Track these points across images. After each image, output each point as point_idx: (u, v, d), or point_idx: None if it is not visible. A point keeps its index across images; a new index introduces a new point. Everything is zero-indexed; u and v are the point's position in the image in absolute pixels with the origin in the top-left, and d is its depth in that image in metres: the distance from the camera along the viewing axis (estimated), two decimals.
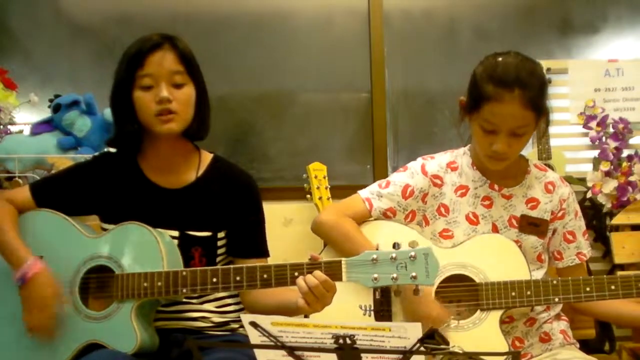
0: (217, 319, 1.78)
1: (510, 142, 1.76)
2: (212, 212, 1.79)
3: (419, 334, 1.13)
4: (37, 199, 1.80)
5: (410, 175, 1.93)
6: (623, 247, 2.66)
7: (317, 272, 1.54)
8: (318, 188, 2.71)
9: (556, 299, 1.79)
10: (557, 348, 1.89)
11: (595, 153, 2.95)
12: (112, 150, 1.86)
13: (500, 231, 1.88)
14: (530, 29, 3.24)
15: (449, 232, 1.89)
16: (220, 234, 1.80)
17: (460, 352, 1.17)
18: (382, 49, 3.14)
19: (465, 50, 3.19)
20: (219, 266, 1.75)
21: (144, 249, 1.66)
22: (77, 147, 2.61)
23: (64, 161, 2.45)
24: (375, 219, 1.92)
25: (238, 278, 1.61)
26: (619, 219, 2.73)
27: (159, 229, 1.70)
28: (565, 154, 2.98)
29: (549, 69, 2.92)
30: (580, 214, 1.96)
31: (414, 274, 1.46)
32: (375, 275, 1.48)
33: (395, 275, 1.46)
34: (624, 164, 2.84)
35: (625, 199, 2.79)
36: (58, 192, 1.80)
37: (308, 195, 2.73)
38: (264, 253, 1.86)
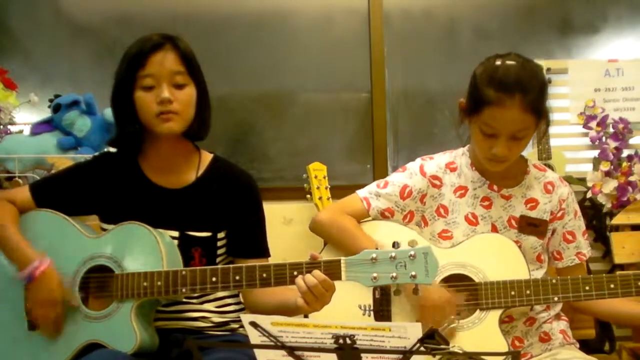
0: (217, 319, 1.78)
1: (510, 146, 1.75)
2: (212, 212, 1.79)
3: (419, 334, 1.13)
4: (37, 199, 1.80)
5: (408, 175, 1.93)
6: (623, 247, 2.66)
7: (316, 272, 1.54)
8: (318, 188, 2.71)
9: (555, 298, 1.79)
10: (557, 348, 1.89)
11: (595, 153, 2.96)
12: (112, 150, 1.86)
13: (500, 232, 1.88)
14: (530, 29, 3.24)
15: (449, 232, 1.89)
16: (220, 234, 1.80)
17: (460, 352, 1.17)
18: (382, 49, 3.14)
19: (465, 50, 3.19)
20: (218, 266, 1.75)
21: (144, 249, 1.66)
22: (77, 147, 2.61)
23: (64, 161, 2.45)
24: (373, 219, 1.93)
25: (237, 277, 1.61)
26: (619, 219, 2.73)
27: (159, 229, 1.70)
28: (565, 154, 2.98)
29: (549, 69, 2.93)
30: (579, 213, 1.96)
31: (413, 273, 1.46)
32: (375, 275, 1.48)
33: (394, 274, 1.46)
34: (624, 164, 2.84)
35: (625, 199, 2.80)
36: (58, 192, 1.80)
37: (308, 195, 2.73)
38: (264, 253, 1.86)
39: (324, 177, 2.73)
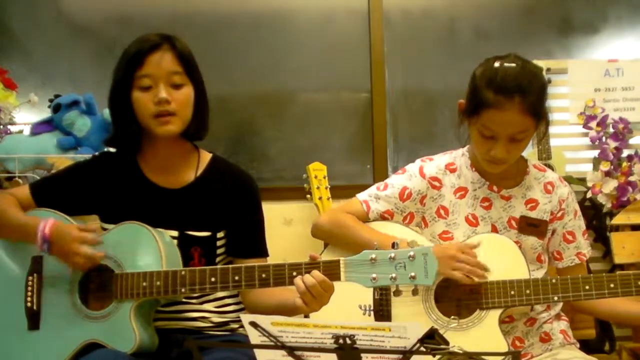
0: (216, 319, 1.78)
1: (509, 148, 1.75)
2: (211, 212, 1.78)
3: (419, 334, 1.13)
4: (36, 198, 1.80)
5: (408, 177, 1.93)
6: (623, 247, 2.67)
7: (315, 272, 1.54)
8: (318, 188, 2.71)
9: (555, 298, 1.79)
10: (557, 348, 1.89)
11: (595, 153, 2.96)
12: (112, 149, 1.86)
13: (500, 232, 1.88)
14: (530, 29, 3.24)
15: (449, 234, 1.89)
16: (220, 234, 1.80)
17: (460, 352, 1.17)
18: (382, 49, 3.14)
19: (465, 50, 3.19)
20: (217, 266, 1.75)
21: (143, 249, 1.66)
22: (77, 147, 2.61)
23: (64, 161, 2.45)
24: (374, 220, 1.93)
25: (236, 278, 1.61)
26: (619, 219, 2.73)
27: (159, 229, 1.70)
28: (565, 154, 2.98)
29: (548, 69, 2.92)
30: (579, 213, 1.96)
31: (412, 273, 1.45)
32: (374, 275, 1.47)
33: (394, 275, 1.46)
34: (624, 164, 2.84)
35: (625, 199, 2.80)
36: (58, 192, 1.80)
37: (308, 195, 2.73)
38: (264, 253, 1.86)
39: (324, 177, 2.73)
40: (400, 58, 3.18)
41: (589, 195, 2.88)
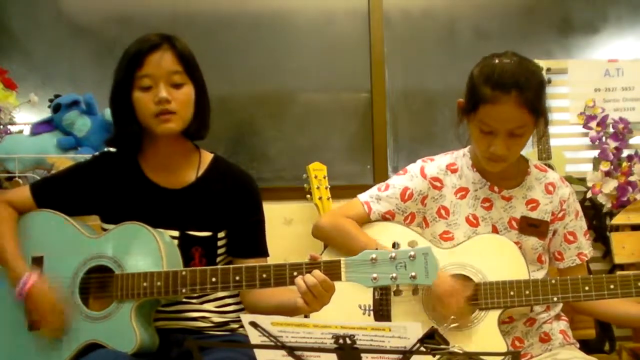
0: (217, 319, 1.78)
1: (508, 144, 1.75)
2: (212, 212, 1.79)
3: (419, 334, 1.13)
4: (37, 199, 1.80)
5: (409, 178, 1.93)
6: (623, 247, 2.66)
7: (316, 272, 1.54)
8: (318, 188, 2.71)
9: (555, 299, 1.79)
10: (557, 348, 1.89)
11: (595, 153, 2.95)
12: (112, 149, 1.86)
13: (500, 233, 1.88)
14: (530, 29, 3.25)
15: (449, 234, 1.89)
16: (221, 234, 1.80)
17: (460, 352, 1.17)
18: (382, 49, 3.14)
19: (465, 50, 3.19)
20: (218, 266, 1.75)
21: (144, 249, 1.66)
22: (77, 147, 2.61)
23: (64, 161, 2.45)
24: (375, 221, 1.93)
25: (237, 278, 1.61)
26: (619, 219, 2.73)
27: (159, 229, 1.70)
28: (565, 154, 2.98)
29: (548, 69, 2.93)
30: (581, 214, 1.95)
31: (413, 273, 1.45)
32: (375, 275, 1.48)
33: (394, 274, 1.46)
34: (624, 164, 2.84)
35: (625, 199, 2.80)
36: (58, 192, 1.80)
37: (308, 195, 2.73)
38: (264, 253, 1.86)
39: (324, 177, 2.73)
40: (400, 58, 3.19)
41: (589, 195, 2.88)
